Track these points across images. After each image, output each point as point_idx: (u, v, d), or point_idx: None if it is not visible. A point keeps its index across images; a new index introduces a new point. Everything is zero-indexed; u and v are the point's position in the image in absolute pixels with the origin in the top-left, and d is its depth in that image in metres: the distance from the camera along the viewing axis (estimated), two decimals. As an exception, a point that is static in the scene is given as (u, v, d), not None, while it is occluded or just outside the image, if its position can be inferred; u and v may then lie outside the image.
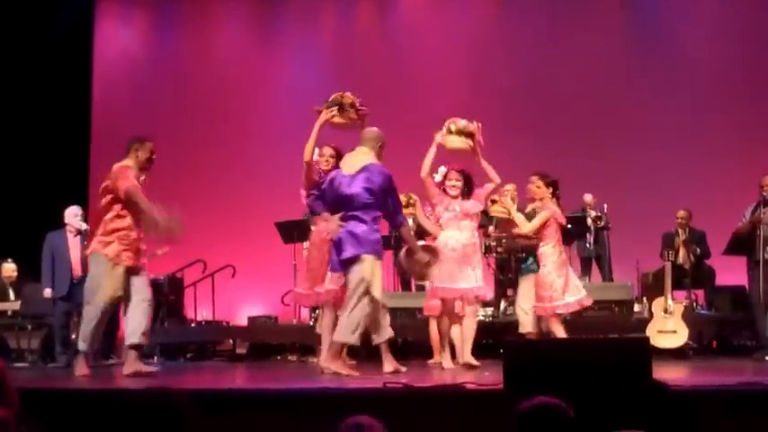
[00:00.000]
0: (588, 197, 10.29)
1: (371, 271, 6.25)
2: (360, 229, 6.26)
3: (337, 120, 6.91)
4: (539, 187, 7.42)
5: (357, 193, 6.29)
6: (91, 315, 6.57)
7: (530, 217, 7.50)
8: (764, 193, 7.81)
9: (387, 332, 6.52)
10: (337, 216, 6.36)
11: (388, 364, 6.48)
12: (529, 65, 12.33)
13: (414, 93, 12.36)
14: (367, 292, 6.22)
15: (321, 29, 13.49)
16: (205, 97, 12.99)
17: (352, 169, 6.39)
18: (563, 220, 7.47)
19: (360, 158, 6.46)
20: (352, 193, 6.30)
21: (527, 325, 7.59)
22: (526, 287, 7.71)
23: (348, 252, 6.25)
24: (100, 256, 6.56)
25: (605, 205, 10.17)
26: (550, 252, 7.29)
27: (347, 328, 6.22)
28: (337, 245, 6.36)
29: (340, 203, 6.38)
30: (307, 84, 12.76)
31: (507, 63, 12.44)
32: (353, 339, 6.30)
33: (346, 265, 6.32)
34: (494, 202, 7.67)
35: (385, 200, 6.41)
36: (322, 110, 6.94)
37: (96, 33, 13.48)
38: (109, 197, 6.69)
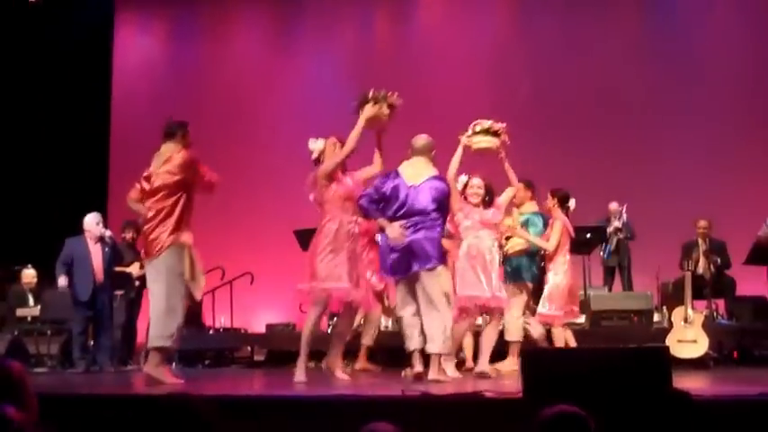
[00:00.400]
0: (614, 205, 10.25)
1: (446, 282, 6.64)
2: (435, 239, 6.40)
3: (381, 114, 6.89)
4: (547, 198, 7.69)
5: (426, 204, 6.41)
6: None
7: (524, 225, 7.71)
8: None
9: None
10: (400, 224, 6.38)
11: (434, 372, 6.38)
12: (548, 71, 12.30)
13: (431, 101, 12.34)
14: (449, 302, 6.47)
15: (338, 38, 13.52)
16: (223, 105, 13.04)
17: (418, 179, 6.51)
18: (571, 230, 7.68)
19: (424, 168, 6.62)
20: (422, 204, 6.42)
21: (514, 333, 7.62)
22: (514, 295, 7.68)
23: (431, 263, 6.32)
24: (180, 247, 6.42)
25: (624, 211, 10.12)
26: (562, 261, 7.40)
27: (439, 338, 6.28)
28: (407, 253, 6.36)
29: (405, 213, 6.45)
30: (324, 92, 12.81)
31: (526, 70, 12.43)
32: (447, 348, 6.44)
33: (418, 273, 6.36)
34: (508, 238, 7.67)
35: (446, 211, 6.65)
36: (363, 105, 6.88)
37: (115, 42, 13.58)
38: (171, 188, 6.54)
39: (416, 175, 6.56)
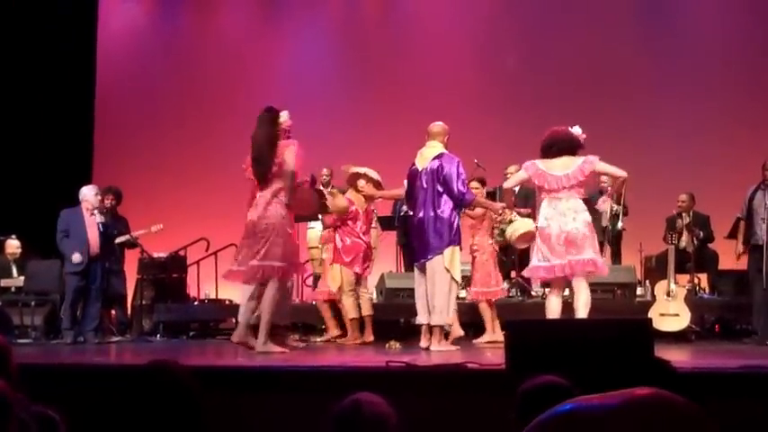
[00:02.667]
0: (605, 177, 10.21)
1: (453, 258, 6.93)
2: (444, 219, 6.89)
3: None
4: None
5: (429, 185, 6.95)
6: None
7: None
8: None
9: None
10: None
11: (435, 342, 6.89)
12: (534, 47, 12.29)
13: (418, 75, 12.32)
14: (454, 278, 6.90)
15: (327, 10, 13.44)
16: (209, 76, 12.96)
17: (425, 163, 6.96)
18: None
19: (431, 151, 6.99)
20: (426, 185, 6.95)
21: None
22: None
23: (437, 250, 6.84)
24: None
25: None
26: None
27: (441, 311, 6.82)
28: (420, 239, 6.99)
29: (416, 196, 7.00)
30: (311, 65, 12.75)
31: (512, 45, 12.41)
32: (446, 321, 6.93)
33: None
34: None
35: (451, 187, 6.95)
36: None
37: (100, 11, 13.42)
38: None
39: (424, 159, 6.95)
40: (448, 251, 6.80)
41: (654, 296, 8.23)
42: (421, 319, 6.96)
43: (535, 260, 6.68)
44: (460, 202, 6.97)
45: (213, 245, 10.67)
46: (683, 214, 9.67)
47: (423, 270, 6.94)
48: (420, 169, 6.93)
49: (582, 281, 6.53)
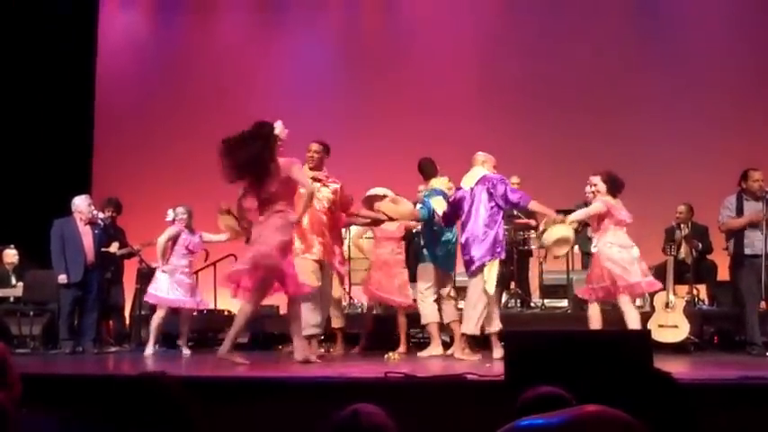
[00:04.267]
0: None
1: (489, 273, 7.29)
2: (478, 238, 7.32)
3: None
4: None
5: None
6: None
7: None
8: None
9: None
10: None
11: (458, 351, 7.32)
12: (537, 53, 12.30)
13: (418, 79, 12.34)
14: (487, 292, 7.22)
15: (326, 15, 13.44)
16: (208, 81, 12.97)
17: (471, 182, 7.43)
18: None
19: (475, 173, 7.47)
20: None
21: (430, 316, 7.83)
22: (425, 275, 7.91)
23: (474, 265, 7.28)
24: None
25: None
26: None
27: (473, 321, 7.22)
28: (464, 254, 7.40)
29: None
30: (311, 69, 12.76)
31: (514, 52, 12.42)
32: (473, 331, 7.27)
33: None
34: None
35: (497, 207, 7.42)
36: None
37: (100, 18, 13.45)
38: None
39: (471, 179, 7.42)
40: (488, 264, 7.19)
41: (653, 307, 8.21)
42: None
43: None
44: (516, 206, 7.60)
45: (212, 255, 10.65)
46: (682, 225, 9.68)
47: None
48: (467, 189, 7.38)
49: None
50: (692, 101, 11.72)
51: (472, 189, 7.36)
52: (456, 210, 7.52)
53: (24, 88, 12.04)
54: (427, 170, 7.95)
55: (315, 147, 7.64)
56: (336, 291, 8.06)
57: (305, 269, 7.17)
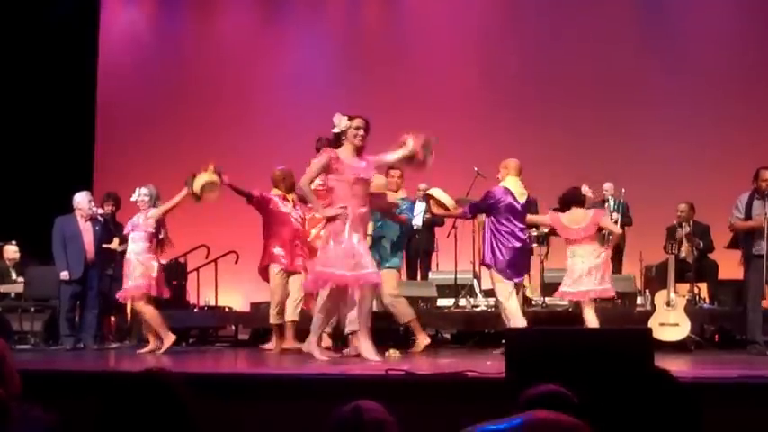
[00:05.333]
0: (607, 185, 10.20)
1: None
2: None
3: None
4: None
5: None
6: None
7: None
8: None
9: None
10: None
11: None
12: (537, 50, 12.31)
13: (420, 81, 12.33)
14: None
15: (328, 15, 13.45)
16: (209, 80, 12.98)
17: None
18: None
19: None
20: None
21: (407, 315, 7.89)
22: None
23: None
24: None
25: (623, 190, 10.07)
26: None
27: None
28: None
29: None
30: (312, 67, 12.76)
31: (516, 48, 12.42)
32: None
33: None
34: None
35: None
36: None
37: (101, 14, 13.45)
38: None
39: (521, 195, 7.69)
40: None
41: (654, 306, 8.20)
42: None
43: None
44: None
45: (213, 252, 10.66)
46: (684, 224, 9.66)
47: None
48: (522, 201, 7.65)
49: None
50: (694, 98, 11.72)
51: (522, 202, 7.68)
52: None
53: (26, 85, 12.05)
54: None
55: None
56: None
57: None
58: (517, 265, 7.62)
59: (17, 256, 9.85)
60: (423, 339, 7.81)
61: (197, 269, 10.61)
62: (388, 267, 7.77)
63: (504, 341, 5.17)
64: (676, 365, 6.05)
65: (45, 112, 12.21)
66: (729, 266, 9.26)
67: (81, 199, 8.85)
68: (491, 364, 6.06)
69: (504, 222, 7.51)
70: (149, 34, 13.73)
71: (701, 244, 9.50)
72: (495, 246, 7.52)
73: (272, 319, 7.95)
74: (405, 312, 7.81)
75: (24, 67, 12.05)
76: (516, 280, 7.62)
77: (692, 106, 11.69)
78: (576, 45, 12.11)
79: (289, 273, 7.97)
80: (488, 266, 7.69)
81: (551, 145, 11.53)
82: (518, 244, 7.55)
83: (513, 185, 7.62)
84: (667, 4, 12.35)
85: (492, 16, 12.78)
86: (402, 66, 12.49)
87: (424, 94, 12.03)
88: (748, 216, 7.80)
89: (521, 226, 7.60)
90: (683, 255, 9.32)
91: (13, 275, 9.70)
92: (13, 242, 9.91)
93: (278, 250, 7.96)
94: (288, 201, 8.16)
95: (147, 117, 12.99)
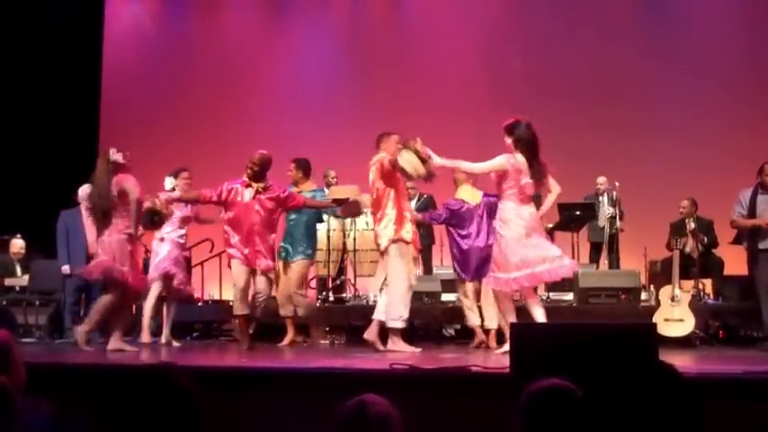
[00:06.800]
0: (602, 179, 10.24)
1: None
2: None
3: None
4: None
5: None
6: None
7: None
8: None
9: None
10: None
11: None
12: (539, 52, 12.30)
13: (424, 79, 12.33)
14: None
15: (332, 13, 13.45)
16: (214, 73, 12.98)
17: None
18: None
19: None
20: None
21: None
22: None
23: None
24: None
25: (617, 183, 10.07)
26: None
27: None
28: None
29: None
30: (316, 67, 12.75)
31: (520, 47, 12.41)
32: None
33: None
34: None
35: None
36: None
37: (106, 11, 13.46)
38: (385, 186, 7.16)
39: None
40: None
41: (658, 301, 8.20)
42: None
43: None
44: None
45: (218, 246, 10.66)
46: (688, 220, 9.65)
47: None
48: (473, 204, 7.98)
49: None
50: (696, 95, 11.71)
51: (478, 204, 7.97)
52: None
53: (31, 80, 12.06)
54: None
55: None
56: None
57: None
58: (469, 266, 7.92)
59: (23, 250, 9.86)
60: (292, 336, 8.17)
61: (201, 263, 10.62)
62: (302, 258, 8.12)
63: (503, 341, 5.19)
64: (680, 361, 6.04)
65: (50, 106, 12.22)
66: (734, 262, 9.26)
67: (85, 193, 8.85)
68: (495, 358, 6.07)
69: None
70: (154, 29, 13.74)
71: (706, 240, 9.49)
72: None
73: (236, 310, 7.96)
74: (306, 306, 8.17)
75: (29, 63, 12.07)
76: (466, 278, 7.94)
77: (694, 104, 11.68)
78: (579, 45, 12.10)
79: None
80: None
81: (555, 144, 11.43)
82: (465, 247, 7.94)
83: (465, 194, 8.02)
84: (671, 3, 12.33)
85: (496, 16, 12.77)
86: (406, 64, 12.48)
87: (428, 93, 12.02)
88: (752, 211, 7.79)
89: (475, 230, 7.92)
90: (687, 250, 9.31)
91: (18, 270, 9.71)
92: (19, 236, 9.92)
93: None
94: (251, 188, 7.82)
95: (152, 112, 13.00)
